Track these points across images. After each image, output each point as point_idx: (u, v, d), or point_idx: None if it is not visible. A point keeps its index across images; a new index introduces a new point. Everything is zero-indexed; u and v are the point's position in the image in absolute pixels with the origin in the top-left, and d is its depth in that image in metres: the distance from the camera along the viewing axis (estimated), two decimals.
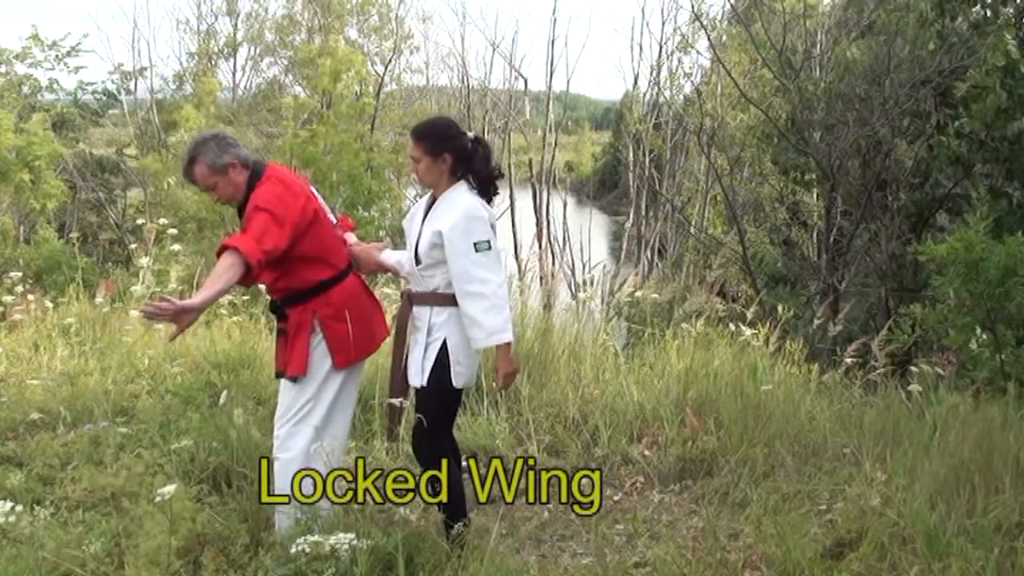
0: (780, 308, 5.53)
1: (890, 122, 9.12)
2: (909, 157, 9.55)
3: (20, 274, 6.35)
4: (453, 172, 3.23)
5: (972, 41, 8.47)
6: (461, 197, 3.21)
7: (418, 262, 3.22)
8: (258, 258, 2.98)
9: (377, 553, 2.74)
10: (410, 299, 3.31)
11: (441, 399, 3.25)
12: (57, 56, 17.39)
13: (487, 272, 3.12)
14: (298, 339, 3.23)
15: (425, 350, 3.23)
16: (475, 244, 3.10)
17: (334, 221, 3.46)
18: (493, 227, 3.25)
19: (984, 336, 4.90)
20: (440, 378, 3.21)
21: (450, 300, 3.20)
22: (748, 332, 5.13)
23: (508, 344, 3.16)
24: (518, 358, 4.61)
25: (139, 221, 6.93)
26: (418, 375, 3.24)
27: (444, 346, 3.20)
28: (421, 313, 3.26)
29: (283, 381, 3.30)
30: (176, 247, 6.05)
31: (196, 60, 20.51)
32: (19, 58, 17.36)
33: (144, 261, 5.80)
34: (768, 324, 5.36)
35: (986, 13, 8.40)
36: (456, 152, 3.21)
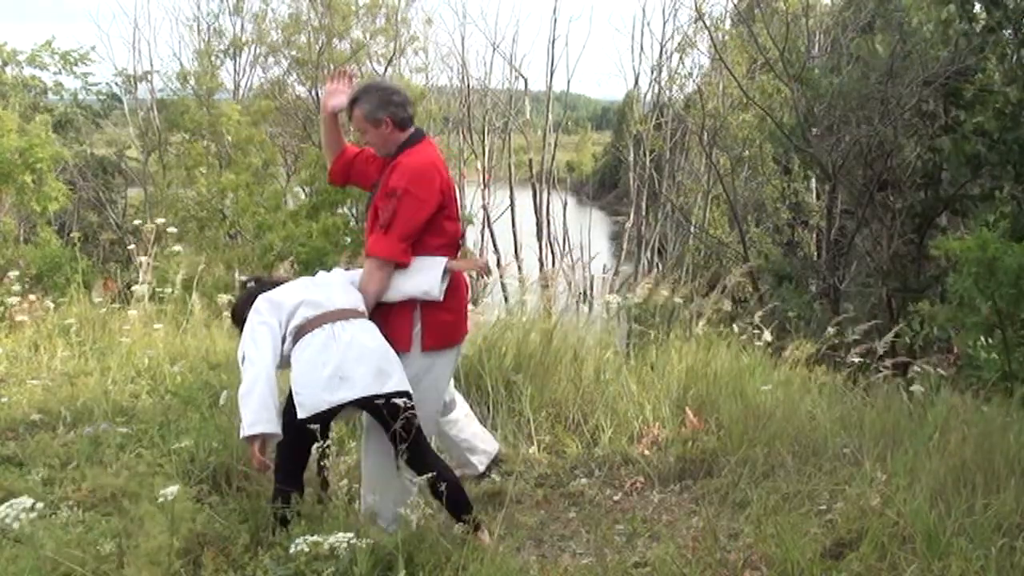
0: (779, 306, 5.53)
1: (893, 123, 9.12)
2: (914, 157, 9.54)
3: (20, 274, 6.35)
4: None
5: (984, 42, 8.48)
6: None
7: None
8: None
9: (377, 553, 2.73)
10: None
11: None
12: (66, 63, 17.40)
13: None
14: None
15: None
16: None
17: None
18: None
19: (990, 339, 4.88)
20: None
21: None
22: (751, 331, 5.12)
23: None
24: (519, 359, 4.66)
25: (136, 222, 6.93)
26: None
27: None
28: None
29: None
30: (176, 247, 6.05)
31: (200, 60, 20.42)
32: (29, 61, 17.36)
33: (143, 259, 5.81)
34: (770, 324, 5.35)
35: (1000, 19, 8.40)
36: None
